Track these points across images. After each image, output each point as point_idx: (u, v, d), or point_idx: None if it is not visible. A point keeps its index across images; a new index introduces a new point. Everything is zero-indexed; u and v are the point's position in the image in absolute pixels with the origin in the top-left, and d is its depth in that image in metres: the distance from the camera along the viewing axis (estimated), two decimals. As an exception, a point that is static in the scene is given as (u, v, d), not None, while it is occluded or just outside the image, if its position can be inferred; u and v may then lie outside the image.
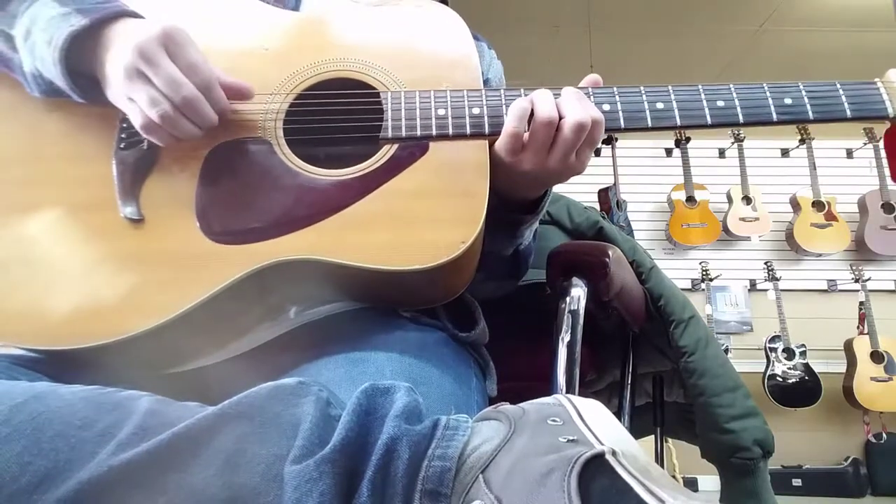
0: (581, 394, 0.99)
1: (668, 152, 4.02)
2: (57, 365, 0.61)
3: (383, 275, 0.62)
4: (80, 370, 0.61)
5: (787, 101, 0.69)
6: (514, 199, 0.73)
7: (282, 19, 0.75)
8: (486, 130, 0.67)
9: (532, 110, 0.65)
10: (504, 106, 0.68)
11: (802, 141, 3.79)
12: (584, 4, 3.18)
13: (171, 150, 0.66)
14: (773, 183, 3.87)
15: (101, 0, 0.65)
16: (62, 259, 0.63)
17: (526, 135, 0.66)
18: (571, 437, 0.42)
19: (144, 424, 0.43)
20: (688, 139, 3.87)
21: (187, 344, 0.65)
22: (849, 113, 0.68)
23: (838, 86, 0.69)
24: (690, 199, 3.81)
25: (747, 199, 3.77)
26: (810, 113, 0.68)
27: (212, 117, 0.64)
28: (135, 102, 0.62)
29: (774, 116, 0.68)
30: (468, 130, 0.67)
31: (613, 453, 0.39)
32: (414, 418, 0.45)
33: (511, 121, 0.65)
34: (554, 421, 0.45)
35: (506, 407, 0.49)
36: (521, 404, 0.49)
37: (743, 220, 3.76)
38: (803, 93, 0.69)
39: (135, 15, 0.65)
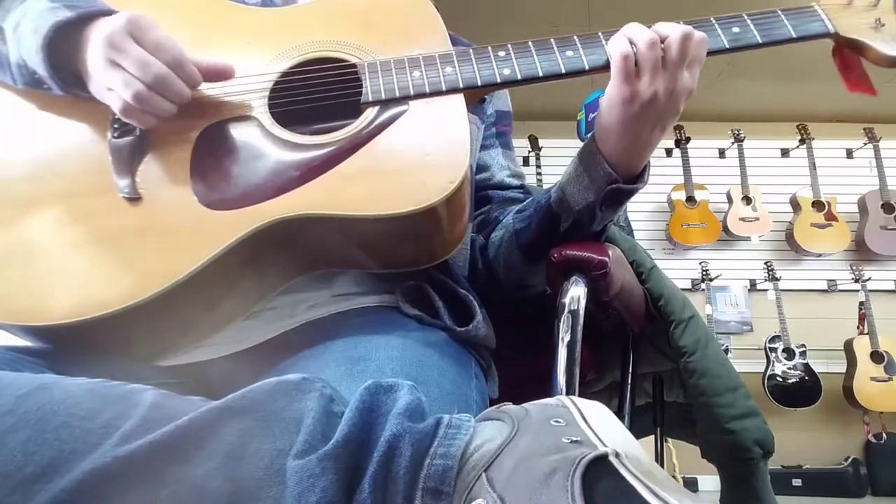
0: (581, 393, 0.99)
1: (668, 152, 4.01)
2: (60, 356, 0.62)
3: (378, 223, 0.64)
4: (83, 361, 0.62)
5: (735, 29, 0.74)
6: (629, 160, 0.74)
7: (261, 14, 0.79)
8: (461, 85, 0.71)
9: (630, 40, 0.69)
10: (474, 62, 0.72)
11: (802, 141, 3.79)
12: (583, 4, 3.18)
13: (163, 135, 0.68)
14: (773, 183, 3.87)
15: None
16: (66, 242, 0.65)
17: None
18: (575, 438, 0.42)
19: (148, 417, 0.43)
20: (688, 139, 3.87)
21: (191, 321, 0.66)
22: (793, 33, 0.73)
23: (780, 12, 0.74)
24: (690, 199, 3.81)
25: (747, 199, 3.77)
26: (758, 37, 0.73)
27: (185, 92, 0.66)
28: (113, 90, 0.64)
29: (727, 43, 0.73)
30: (443, 87, 0.70)
31: (617, 455, 0.39)
32: (417, 416, 0.45)
33: (616, 48, 0.69)
34: (557, 422, 0.45)
35: (509, 407, 0.49)
36: (524, 405, 0.49)
37: (743, 220, 3.76)
38: (748, 21, 0.74)
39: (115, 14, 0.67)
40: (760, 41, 0.73)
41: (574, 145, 3.40)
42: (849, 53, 0.75)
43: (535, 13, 3.24)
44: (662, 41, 0.69)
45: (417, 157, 0.66)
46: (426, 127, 0.69)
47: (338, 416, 0.44)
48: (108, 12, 0.67)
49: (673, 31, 0.69)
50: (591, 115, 3.55)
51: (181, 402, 0.46)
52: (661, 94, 0.69)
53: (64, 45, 0.66)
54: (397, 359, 0.62)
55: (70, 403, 0.44)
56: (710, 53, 0.72)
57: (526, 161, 3.85)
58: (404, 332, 0.67)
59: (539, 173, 3.87)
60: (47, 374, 0.51)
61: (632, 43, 0.69)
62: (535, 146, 3.91)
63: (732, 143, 3.87)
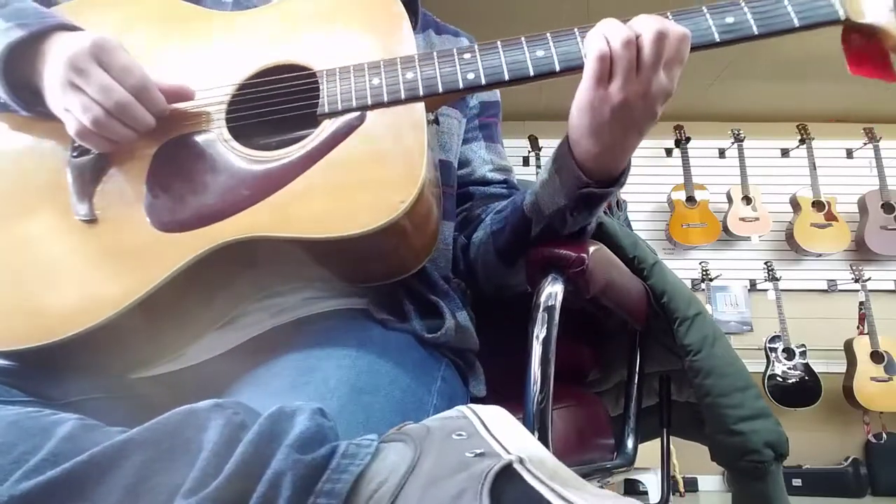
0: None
1: (668, 152, 4.01)
2: (27, 372, 0.61)
3: (328, 244, 0.62)
4: (50, 378, 0.61)
5: (729, 19, 0.66)
6: (605, 165, 0.70)
7: (222, 18, 0.77)
8: (421, 92, 0.67)
9: (606, 38, 0.63)
10: (437, 68, 0.68)
11: (802, 141, 3.79)
12: (583, 4, 3.18)
13: (121, 153, 0.67)
14: (773, 183, 3.87)
15: (43, 15, 0.67)
16: (19, 265, 0.65)
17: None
18: (478, 451, 0.42)
19: (57, 450, 0.42)
20: (688, 139, 3.86)
21: (151, 341, 0.65)
22: (796, 22, 0.65)
23: None
24: (690, 199, 3.80)
25: (747, 199, 3.77)
26: (755, 28, 0.65)
27: (147, 119, 0.64)
28: (70, 112, 0.63)
29: (717, 37, 0.66)
30: (403, 95, 0.67)
31: (521, 461, 0.39)
32: (312, 445, 0.42)
33: (594, 47, 0.63)
34: (459, 435, 0.44)
35: (409, 427, 0.48)
36: (424, 421, 0.48)
37: (743, 220, 3.75)
38: (745, 8, 0.66)
39: (73, 28, 0.66)
40: (757, 32, 0.65)
41: (574, 145, 3.38)
42: (863, 42, 0.66)
43: (535, 13, 3.23)
44: (637, 39, 0.62)
45: (369, 174, 0.64)
46: (381, 140, 0.66)
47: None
48: (65, 26, 0.65)
49: (646, 28, 0.62)
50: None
51: (98, 433, 0.44)
52: (633, 99, 0.63)
53: (20, 63, 0.65)
54: (346, 368, 0.60)
55: None
56: (697, 48, 0.65)
57: (526, 161, 3.83)
58: (363, 338, 0.65)
59: (539, 173, 3.85)
60: None
61: (607, 41, 0.62)
62: (535, 146, 3.90)
63: (732, 143, 3.87)
